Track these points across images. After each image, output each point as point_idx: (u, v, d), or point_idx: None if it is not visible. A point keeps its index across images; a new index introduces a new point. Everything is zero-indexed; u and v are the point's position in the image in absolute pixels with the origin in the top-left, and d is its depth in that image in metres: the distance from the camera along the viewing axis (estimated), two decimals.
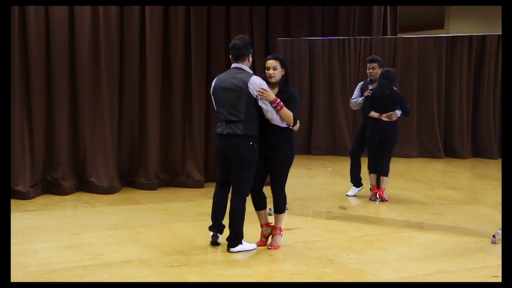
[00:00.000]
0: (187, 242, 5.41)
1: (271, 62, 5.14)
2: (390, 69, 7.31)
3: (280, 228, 5.33)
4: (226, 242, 5.14)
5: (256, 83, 4.95)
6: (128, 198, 7.16)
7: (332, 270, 4.77)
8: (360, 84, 7.27)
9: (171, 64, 7.66)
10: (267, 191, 5.26)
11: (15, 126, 6.81)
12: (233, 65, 5.11)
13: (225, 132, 5.02)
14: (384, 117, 6.96)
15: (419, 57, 9.06)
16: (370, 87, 7.05)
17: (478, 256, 5.24)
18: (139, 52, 7.47)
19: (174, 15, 7.60)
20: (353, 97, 7.24)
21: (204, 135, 7.96)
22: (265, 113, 5.00)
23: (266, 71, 5.16)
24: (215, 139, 5.18)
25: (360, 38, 8.73)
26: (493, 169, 8.75)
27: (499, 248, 5.38)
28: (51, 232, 5.63)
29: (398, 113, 6.98)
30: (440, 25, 12.41)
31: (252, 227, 5.32)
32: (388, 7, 8.87)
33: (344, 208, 6.97)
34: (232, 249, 5.10)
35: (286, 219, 5.46)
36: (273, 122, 5.03)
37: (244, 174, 5.03)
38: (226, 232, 5.18)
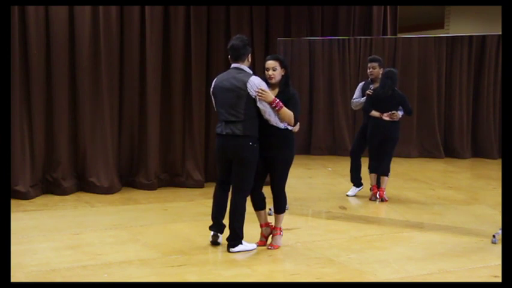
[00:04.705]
0: (187, 242, 5.41)
1: (270, 63, 5.13)
2: (393, 69, 7.31)
3: (280, 228, 5.33)
4: (227, 242, 5.15)
5: (255, 84, 4.95)
6: (128, 198, 7.16)
7: (332, 270, 4.77)
8: (360, 84, 7.28)
9: (171, 64, 7.66)
10: (267, 191, 5.26)
11: (15, 126, 6.81)
12: (233, 65, 5.11)
13: (224, 133, 5.03)
14: (385, 117, 6.96)
15: (419, 57, 9.07)
16: (372, 87, 7.06)
17: (478, 256, 5.24)
18: (139, 52, 7.48)
19: (174, 15, 7.60)
20: (354, 97, 7.25)
21: (204, 135, 7.96)
22: (263, 114, 5.00)
23: (266, 71, 5.15)
24: (215, 139, 5.18)
25: (360, 38, 8.73)
26: (493, 169, 8.74)
27: (499, 248, 5.38)
28: (51, 232, 5.63)
29: (400, 113, 6.98)
30: (440, 25, 12.41)
31: (252, 227, 5.32)
32: (388, 7, 8.87)
33: (344, 208, 6.97)
34: (232, 249, 5.10)
35: (286, 219, 5.46)
36: (270, 123, 5.02)
37: (244, 174, 5.03)
38: (227, 232, 5.18)
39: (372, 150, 7.21)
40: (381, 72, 7.06)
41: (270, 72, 5.11)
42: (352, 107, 7.36)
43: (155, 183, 7.63)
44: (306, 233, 5.83)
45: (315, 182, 8.41)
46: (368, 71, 7.12)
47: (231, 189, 5.19)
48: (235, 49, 5.06)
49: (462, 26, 12.15)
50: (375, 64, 7.07)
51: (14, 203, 6.55)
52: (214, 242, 5.26)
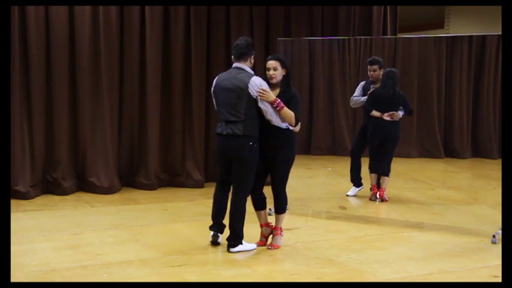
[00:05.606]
0: (187, 242, 5.41)
1: (271, 63, 5.13)
2: (393, 69, 7.31)
3: (280, 229, 5.33)
4: (227, 242, 5.15)
5: (256, 84, 4.95)
6: (128, 198, 7.16)
7: (332, 270, 4.77)
8: (361, 83, 7.26)
9: (171, 64, 7.66)
10: (267, 191, 5.26)
11: (15, 126, 6.81)
12: (234, 65, 5.11)
13: (224, 133, 5.03)
14: (385, 117, 6.96)
15: (419, 57, 9.07)
16: (373, 87, 7.05)
17: (478, 256, 5.24)
18: (139, 52, 7.47)
19: (174, 15, 7.60)
20: (354, 95, 7.25)
21: (204, 135, 7.96)
22: (265, 114, 5.00)
23: (267, 71, 5.14)
24: (215, 139, 5.18)
25: (360, 38, 8.73)
26: (493, 169, 8.74)
27: (499, 248, 5.38)
28: (51, 232, 5.63)
29: (400, 113, 6.98)
30: (440, 25, 12.41)
31: (252, 227, 5.32)
32: (388, 7, 8.87)
33: (344, 208, 6.97)
34: (232, 249, 5.10)
35: (286, 219, 5.46)
36: (272, 123, 5.02)
37: (244, 174, 5.03)
38: (227, 232, 5.18)
39: (372, 150, 7.21)
40: (381, 73, 7.05)
41: (271, 72, 5.10)
42: (351, 104, 7.36)
43: (155, 183, 7.63)
44: (306, 233, 5.83)
45: (315, 182, 8.41)
46: (369, 73, 7.10)
47: (231, 189, 5.19)
48: (239, 48, 5.07)
49: (462, 26, 12.15)
50: (375, 67, 7.04)
51: (14, 203, 6.55)
52: (214, 242, 5.26)
